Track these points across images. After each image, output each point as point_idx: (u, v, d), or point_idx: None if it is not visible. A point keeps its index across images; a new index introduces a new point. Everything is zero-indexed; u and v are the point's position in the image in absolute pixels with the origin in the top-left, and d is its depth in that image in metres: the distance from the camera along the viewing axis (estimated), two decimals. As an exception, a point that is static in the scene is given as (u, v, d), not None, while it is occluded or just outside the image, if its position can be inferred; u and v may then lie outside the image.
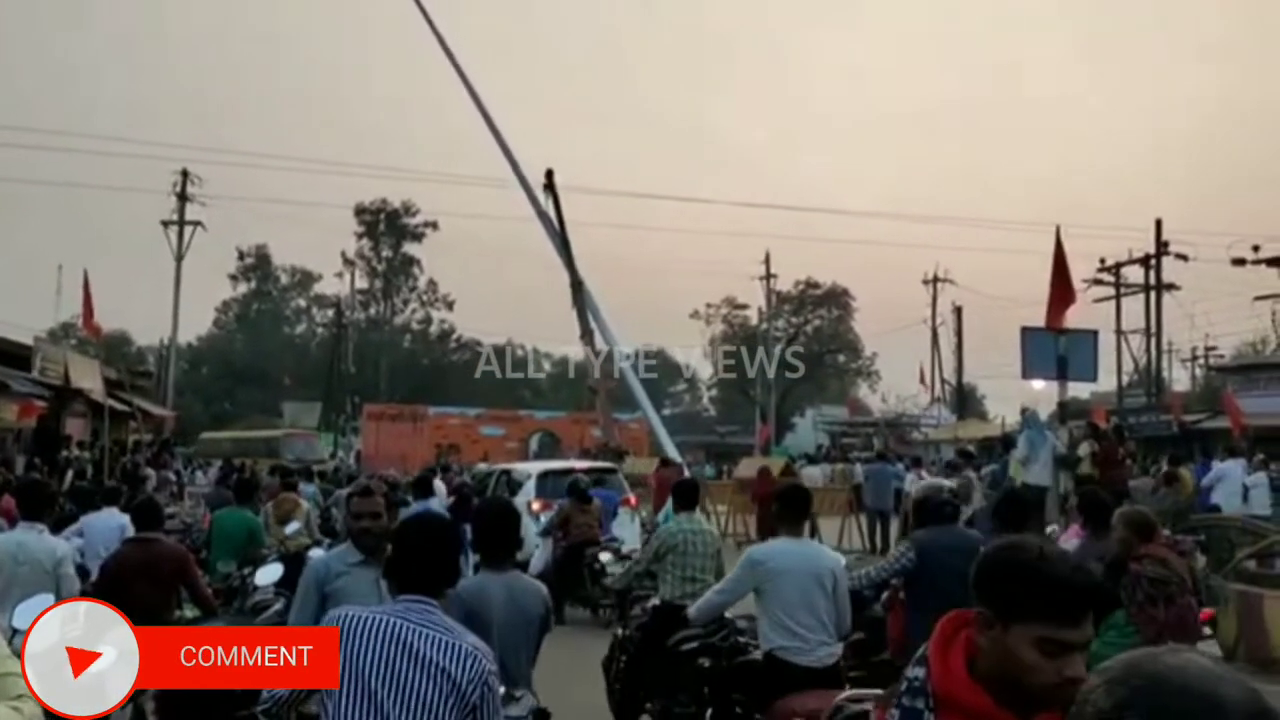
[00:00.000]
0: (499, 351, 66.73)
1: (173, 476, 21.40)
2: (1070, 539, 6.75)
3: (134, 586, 5.87)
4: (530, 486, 15.04)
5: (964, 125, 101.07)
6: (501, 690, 3.51)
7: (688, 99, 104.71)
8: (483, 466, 24.74)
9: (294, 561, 6.01)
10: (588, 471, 15.34)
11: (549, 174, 28.45)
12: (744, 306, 55.28)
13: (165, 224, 38.75)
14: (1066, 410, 15.97)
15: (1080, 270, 28.37)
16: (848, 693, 4.31)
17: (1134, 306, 32.83)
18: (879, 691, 3.37)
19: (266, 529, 9.24)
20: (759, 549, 5.43)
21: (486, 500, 6.45)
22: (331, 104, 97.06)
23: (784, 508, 5.51)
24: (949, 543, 5.39)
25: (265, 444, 37.45)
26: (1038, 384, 19.96)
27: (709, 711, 5.58)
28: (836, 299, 56.71)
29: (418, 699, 2.69)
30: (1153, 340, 32.57)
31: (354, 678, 2.71)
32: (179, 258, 38.60)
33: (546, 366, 77.09)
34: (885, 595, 5.90)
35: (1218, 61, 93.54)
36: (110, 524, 8.10)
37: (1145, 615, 5.22)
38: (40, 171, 49.34)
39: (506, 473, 17.07)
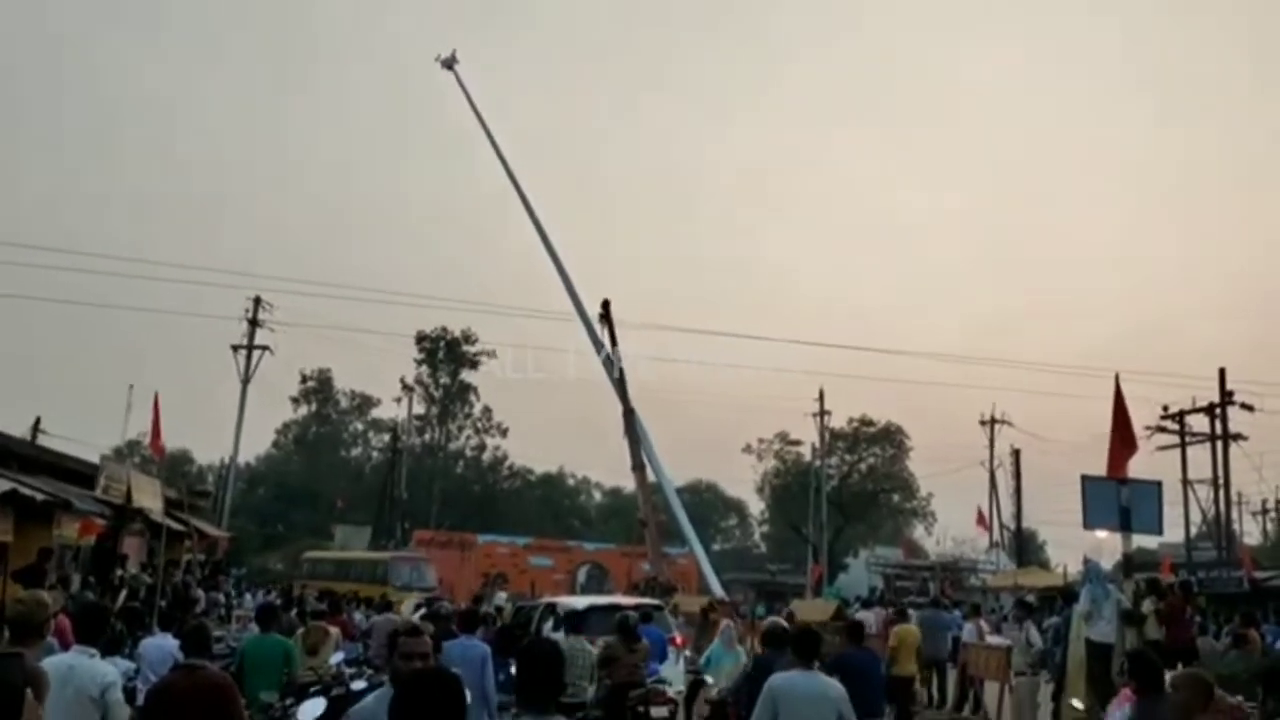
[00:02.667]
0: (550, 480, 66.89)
1: (222, 599, 21.50)
2: (1122, 704, 6.50)
3: (175, 714, 5.86)
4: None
5: (1025, 265, 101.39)
6: None
7: (747, 234, 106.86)
8: (503, 597, 24.73)
9: (336, 698, 5.97)
10: (635, 608, 15.06)
11: (605, 304, 29.14)
12: (797, 443, 54.86)
13: (235, 348, 40.06)
14: (1132, 563, 15.42)
15: (1143, 417, 27.92)
16: None
17: (1199, 456, 32.01)
18: None
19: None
20: (778, 678, 6.24)
21: (532, 640, 6.36)
22: (397, 233, 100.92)
23: (798, 646, 6.55)
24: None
25: (371, 567, 34.67)
26: (1102, 533, 19.39)
27: None
28: (891, 437, 56.08)
29: None
30: (1220, 491, 31.57)
31: None
32: (245, 380, 39.71)
33: (597, 497, 77.05)
34: None
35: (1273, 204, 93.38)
36: (164, 648, 8.15)
37: None
38: (115, 295, 52.00)
39: (552, 606, 16.85)
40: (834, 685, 6.26)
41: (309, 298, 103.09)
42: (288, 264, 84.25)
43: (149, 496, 18.29)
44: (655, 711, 10.50)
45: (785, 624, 8.46)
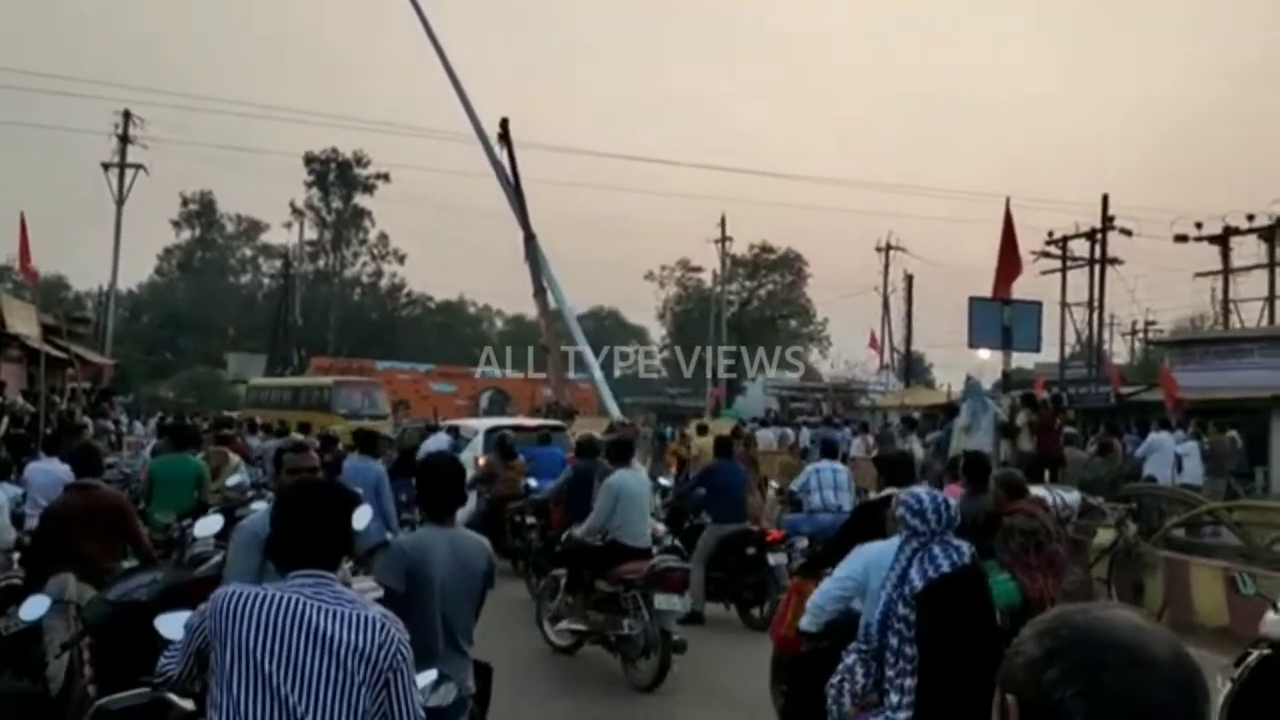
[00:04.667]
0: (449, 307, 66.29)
1: (111, 426, 20.98)
2: (950, 497, 7.26)
3: (75, 535, 5.77)
4: (478, 443, 15.03)
5: (921, 94, 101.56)
6: (432, 676, 3.43)
7: (647, 57, 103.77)
8: (406, 423, 24.80)
9: (229, 514, 5.94)
10: (536, 429, 15.41)
11: (504, 123, 28.16)
12: (698, 269, 55.35)
13: (106, 166, 37.63)
14: (1010, 380, 16.27)
15: (1028, 243, 28.84)
16: (656, 558, 7.67)
17: (1079, 280, 33.47)
18: (676, 560, 7.83)
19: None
20: (613, 479, 8.02)
21: (430, 455, 6.43)
22: (283, 48, 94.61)
23: (616, 451, 8.58)
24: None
25: (313, 394, 31.12)
26: (983, 353, 20.31)
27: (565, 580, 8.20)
28: (790, 264, 57.03)
29: (321, 679, 2.42)
30: (1095, 313, 33.26)
31: (245, 662, 2.42)
32: (119, 201, 37.53)
33: (499, 324, 76.83)
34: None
35: (1172, 39, 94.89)
36: (53, 473, 7.91)
37: (1019, 561, 6.06)
38: (-25, 108, 47.77)
39: (455, 429, 17.03)
40: (645, 480, 8.52)
41: (185, 112, 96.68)
42: (160, 76, 78.31)
43: (24, 321, 17.43)
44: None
45: (628, 437, 10.37)
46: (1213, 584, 8.93)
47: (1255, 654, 4.55)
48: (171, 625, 3.00)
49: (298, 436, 9.99)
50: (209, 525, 5.19)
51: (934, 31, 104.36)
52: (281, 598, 2.49)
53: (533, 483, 12.12)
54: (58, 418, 16.14)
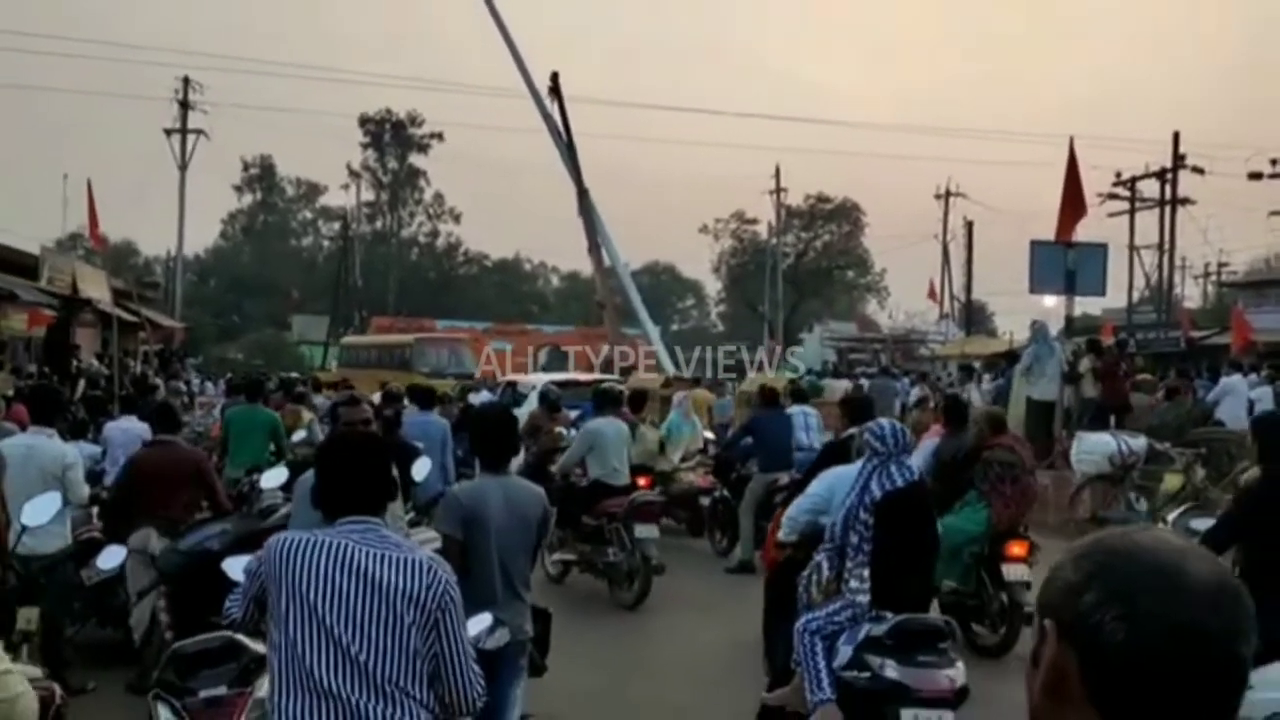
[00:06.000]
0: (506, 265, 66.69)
1: (183, 387, 21.61)
2: (932, 437, 8.06)
3: (153, 489, 5.97)
4: (533, 398, 15.19)
5: (979, 36, 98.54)
6: (487, 620, 3.51)
7: (699, 7, 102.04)
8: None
9: (299, 468, 6.11)
10: (589, 384, 15.52)
11: (554, 77, 27.87)
12: (753, 221, 54.70)
13: (168, 132, 38.34)
14: (1074, 325, 15.93)
15: (1096, 184, 28.04)
16: (637, 493, 8.64)
17: (1149, 221, 32.46)
18: (655, 495, 9.20)
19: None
20: (590, 425, 8.95)
21: (484, 406, 6.55)
22: (335, 8, 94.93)
23: (602, 401, 9.15)
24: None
25: (400, 352, 29.87)
26: (1048, 300, 19.88)
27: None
28: (847, 214, 56.07)
29: (374, 621, 2.50)
30: (1165, 256, 32.28)
31: (299, 604, 2.51)
32: (182, 167, 38.29)
33: (555, 281, 77.13)
34: None
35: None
36: (131, 431, 8.20)
37: (996, 491, 6.70)
38: (44, 78, 48.87)
39: (512, 384, 17.24)
40: (624, 426, 9.12)
41: (243, 75, 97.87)
42: (216, 41, 79.28)
43: (96, 287, 17.95)
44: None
45: (613, 387, 10.59)
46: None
47: None
48: (235, 567, 3.12)
49: (351, 391, 10.22)
50: (274, 477, 5.35)
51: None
52: (331, 542, 2.56)
53: (572, 433, 12.21)
54: (131, 380, 16.67)
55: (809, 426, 10.92)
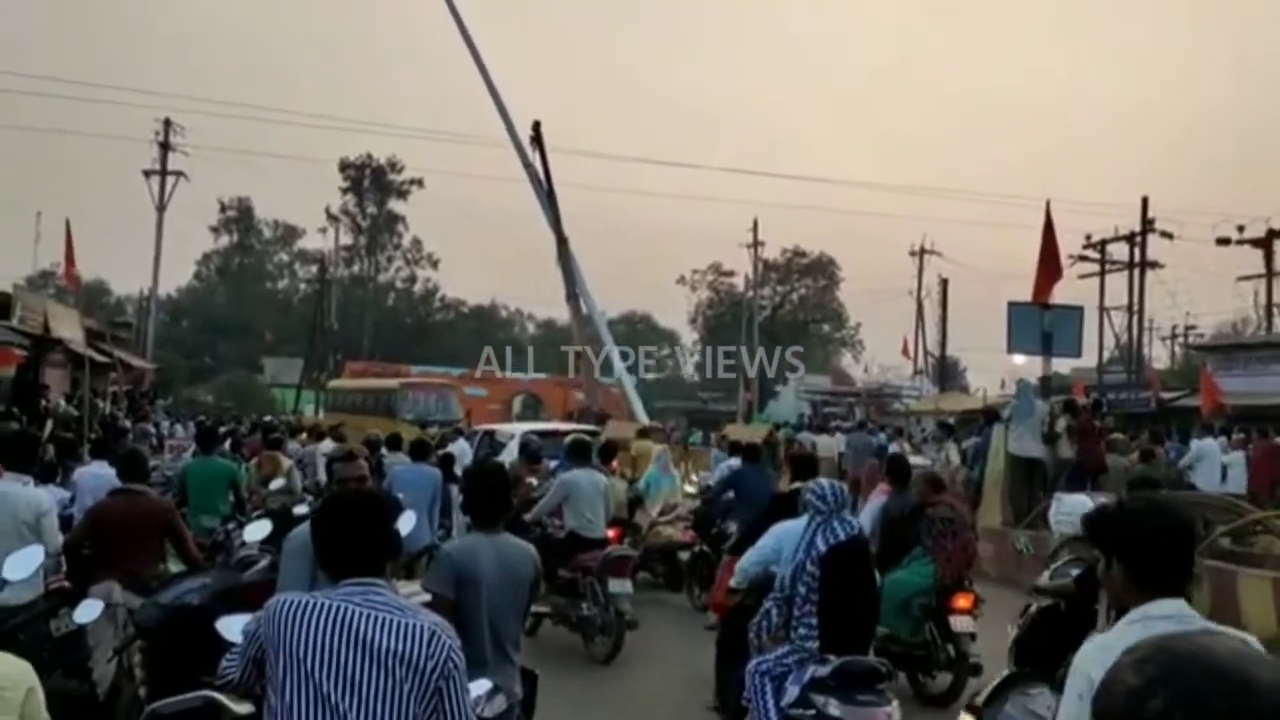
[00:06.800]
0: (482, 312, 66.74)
1: (152, 429, 21.28)
2: (879, 496, 8.37)
3: (118, 540, 5.82)
4: (513, 448, 15.06)
5: (955, 97, 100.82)
6: (486, 686, 3.43)
7: (681, 64, 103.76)
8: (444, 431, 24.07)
9: (280, 518, 5.99)
10: (569, 434, 15.42)
11: (536, 126, 28.09)
12: (730, 274, 55.20)
13: (147, 174, 38.23)
14: (1049, 385, 16.08)
15: (1066, 246, 28.48)
16: (611, 548, 8.64)
17: (1118, 284, 33.01)
18: (629, 550, 9.30)
19: (248, 489, 9.18)
20: (566, 476, 8.87)
21: (477, 463, 6.51)
22: (319, 55, 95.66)
23: (574, 453, 9.22)
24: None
25: (385, 397, 28.51)
26: (1020, 359, 20.07)
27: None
28: (823, 268, 56.75)
29: (368, 686, 2.45)
30: (1135, 317, 32.80)
31: (295, 669, 2.47)
32: (160, 208, 38.12)
33: (531, 328, 77.09)
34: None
35: (1208, 41, 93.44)
36: (102, 478, 8.00)
37: (939, 547, 7.11)
38: (20, 116, 48.81)
39: (490, 433, 17.09)
40: (602, 478, 9.02)
41: (224, 119, 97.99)
42: (199, 85, 79.46)
43: (68, 326, 17.72)
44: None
45: (586, 438, 10.42)
46: (1262, 594, 8.74)
47: (1035, 605, 5.18)
48: (232, 627, 3.04)
49: (348, 446, 10.10)
50: (258, 530, 5.24)
51: (967, 34, 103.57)
52: (330, 606, 2.52)
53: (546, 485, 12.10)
54: (100, 421, 16.40)
55: None
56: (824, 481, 5.44)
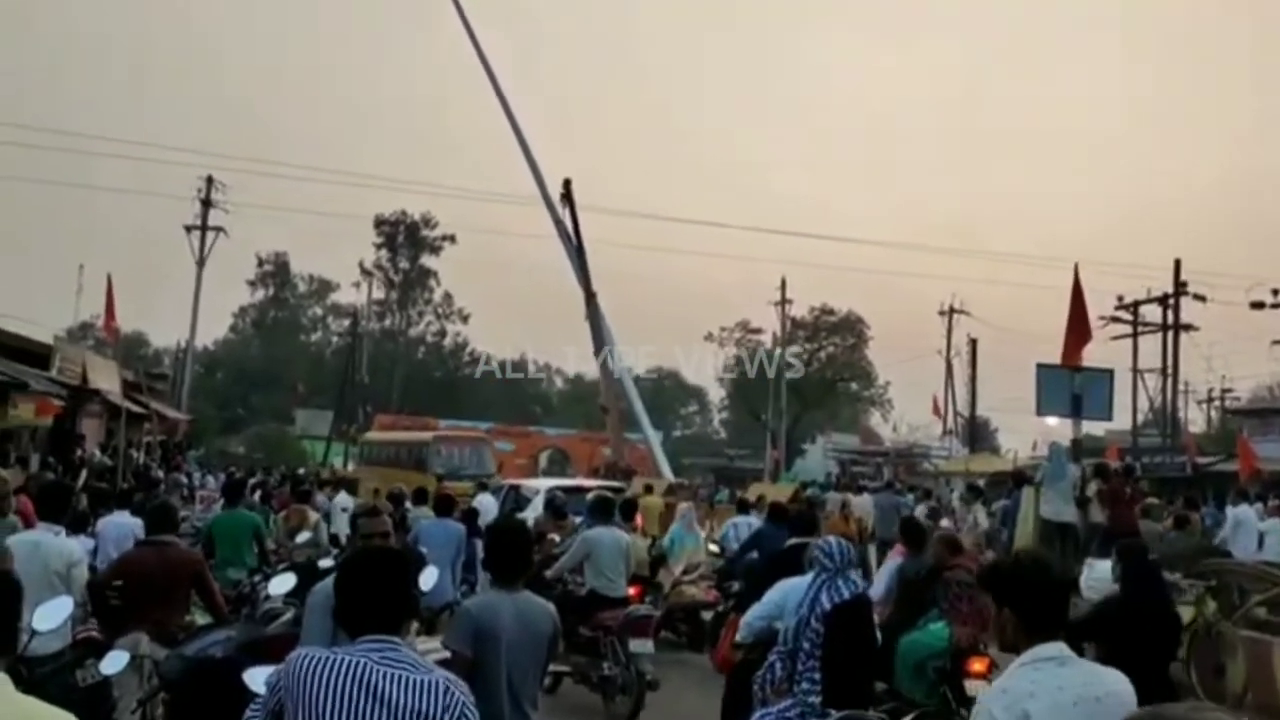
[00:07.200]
0: (511, 365, 67.14)
1: (184, 479, 21.51)
2: (895, 558, 8.38)
3: (149, 590, 5.88)
4: (538, 503, 15.06)
5: (986, 157, 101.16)
6: None
7: (710, 121, 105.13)
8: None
9: (305, 572, 6.04)
10: (594, 490, 15.41)
11: (566, 184, 28.56)
12: (758, 331, 55.19)
13: (188, 229, 39.08)
14: (1080, 448, 15.89)
15: (1098, 307, 28.31)
16: (633, 607, 8.57)
17: (1151, 346, 32.66)
18: (651, 609, 9.08)
19: (275, 541, 9.26)
20: (589, 534, 8.80)
21: (498, 520, 6.55)
22: (355, 114, 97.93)
23: (597, 510, 9.21)
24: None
25: (417, 449, 28.19)
26: (1050, 420, 19.86)
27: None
28: (851, 327, 56.56)
29: None
30: (1169, 380, 32.39)
31: None
32: (200, 262, 38.91)
33: (559, 383, 77.39)
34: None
35: (1243, 103, 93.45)
36: (124, 526, 8.13)
37: (954, 610, 7.07)
38: (66, 173, 50.48)
39: (515, 488, 17.11)
40: (624, 536, 8.94)
41: (263, 178, 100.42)
42: (240, 143, 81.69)
43: (105, 378, 18.06)
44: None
45: (609, 495, 10.46)
46: (1300, 667, 8.49)
47: None
48: (257, 679, 3.10)
49: (370, 501, 10.19)
50: (282, 584, 5.29)
51: (999, 94, 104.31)
52: (348, 661, 2.58)
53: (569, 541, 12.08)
54: (134, 472, 16.62)
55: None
56: (831, 539, 5.57)
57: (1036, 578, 2.80)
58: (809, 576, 5.39)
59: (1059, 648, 2.70)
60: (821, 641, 5.06)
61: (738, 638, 6.05)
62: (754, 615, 5.78)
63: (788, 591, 5.56)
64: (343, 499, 13.35)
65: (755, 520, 12.39)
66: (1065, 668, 2.68)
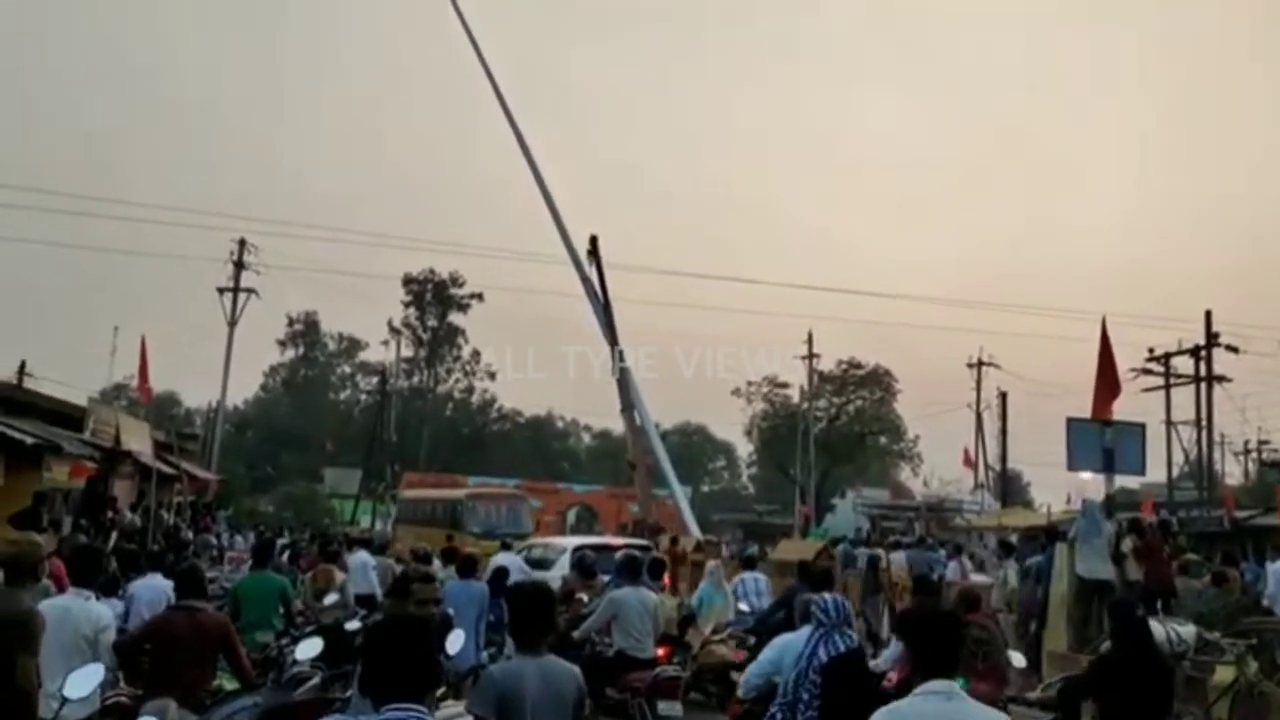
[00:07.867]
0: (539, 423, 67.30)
1: (214, 540, 21.63)
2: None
3: (177, 658, 5.90)
4: (564, 561, 15.01)
5: (1012, 209, 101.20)
6: None
7: (734, 176, 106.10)
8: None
9: (332, 634, 6.04)
10: (621, 548, 15.35)
11: (593, 240, 28.76)
12: (785, 385, 55.05)
13: (221, 291, 39.73)
14: (1114, 503, 15.62)
15: (1129, 359, 28.08)
16: (661, 668, 8.46)
17: (1184, 398, 32.25)
18: (679, 670, 8.85)
19: (303, 602, 9.26)
20: (615, 594, 8.76)
21: (520, 583, 6.55)
22: (384, 176, 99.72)
23: (624, 569, 9.19)
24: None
25: (452, 508, 27.22)
26: (1085, 474, 19.56)
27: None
28: (879, 380, 56.29)
29: None
30: (1203, 432, 31.89)
31: None
32: (232, 324, 39.47)
33: (586, 439, 77.35)
34: None
35: (1272, 154, 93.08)
36: (156, 590, 8.18)
37: (968, 667, 7.02)
38: (103, 238, 51.70)
39: (542, 547, 17.09)
40: (651, 596, 8.89)
41: (293, 239, 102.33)
42: (271, 206, 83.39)
43: (138, 439, 18.28)
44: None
45: (636, 554, 10.32)
46: (1348, 730, 8.24)
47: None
48: None
49: (425, 568, 10.21)
50: (310, 648, 5.30)
51: (1024, 148, 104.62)
52: None
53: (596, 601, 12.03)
54: (164, 533, 16.74)
55: (759, 591, 12.46)
56: (828, 596, 5.92)
57: (928, 623, 3.42)
58: (804, 631, 5.70)
59: (948, 684, 3.25)
60: (819, 693, 5.34)
61: (739, 693, 6.40)
62: (753, 671, 6.09)
63: (783, 648, 5.87)
64: (362, 556, 13.30)
65: (762, 576, 13.09)
66: (950, 703, 3.21)
